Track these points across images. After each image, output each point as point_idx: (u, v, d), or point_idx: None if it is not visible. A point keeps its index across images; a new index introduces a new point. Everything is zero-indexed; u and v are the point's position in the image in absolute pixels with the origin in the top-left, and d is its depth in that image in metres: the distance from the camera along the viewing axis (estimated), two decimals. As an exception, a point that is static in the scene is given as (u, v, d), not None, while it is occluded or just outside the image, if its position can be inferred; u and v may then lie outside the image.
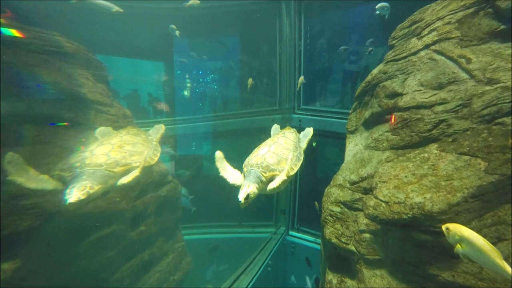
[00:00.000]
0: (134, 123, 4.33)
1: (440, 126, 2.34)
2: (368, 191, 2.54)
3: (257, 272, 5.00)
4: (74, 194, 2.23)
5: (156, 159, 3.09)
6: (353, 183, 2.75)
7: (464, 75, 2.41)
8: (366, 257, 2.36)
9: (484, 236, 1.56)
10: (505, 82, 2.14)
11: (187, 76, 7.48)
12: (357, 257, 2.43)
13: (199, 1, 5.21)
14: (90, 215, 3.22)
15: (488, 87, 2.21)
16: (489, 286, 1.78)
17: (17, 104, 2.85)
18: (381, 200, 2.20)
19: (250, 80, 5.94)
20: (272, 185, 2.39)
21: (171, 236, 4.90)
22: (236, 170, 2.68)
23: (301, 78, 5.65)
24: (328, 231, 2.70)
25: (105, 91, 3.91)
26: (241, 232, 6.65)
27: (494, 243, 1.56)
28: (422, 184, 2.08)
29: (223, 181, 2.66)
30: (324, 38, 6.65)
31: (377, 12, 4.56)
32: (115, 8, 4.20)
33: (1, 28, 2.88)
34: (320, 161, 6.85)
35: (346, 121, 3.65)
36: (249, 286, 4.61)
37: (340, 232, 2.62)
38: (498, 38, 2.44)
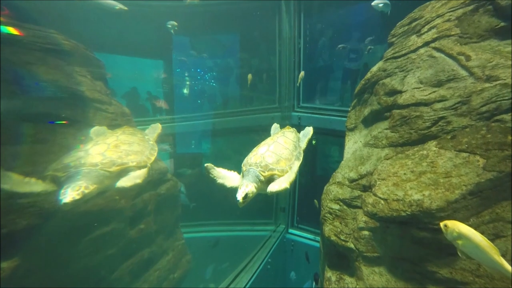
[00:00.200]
0: (133, 121, 4.32)
1: (439, 123, 2.34)
2: (367, 188, 2.55)
3: (256, 270, 5.01)
4: (69, 194, 2.20)
5: (153, 158, 3.06)
6: (352, 180, 2.76)
7: (463, 73, 2.40)
8: (365, 254, 2.37)
9: (482, 233, 1.56)
10: (505, 79, 2.13)
11: (186, 74, 7.47)
12: (356, 255, 2.44)
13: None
14: (90, 213, 3.22)
15: (487, 84, 2.21)
16: (486, 283, 1.79)
17: (15, 102, 2.84)
18: (380, 198, 2.21)
19: (249, 76, 5.92)
20: (272, 189, 2.37)
21: (171, 234, 4.90)
22: (232, 171, 2.66)
23: (302, 73, 5.62)
24: (327, 229, 2.70)
25: (103, 89, 3.90)
26: (240, 230, 6.66)
27: (492, 240, 1.56)
28: (421, 181, 2.08)
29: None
30: (324, 36, 6.64)
31: (380, 5, 4.51)
32: (119, 6, 4.17)
33: (0, 26, 2.87)
34: (320, 159, 6.85)
35: (345, 119, 3.65)
36: (249, 284, 4.62)
37: (339, 230, 2.62)
38: (498, 35, 2.44)
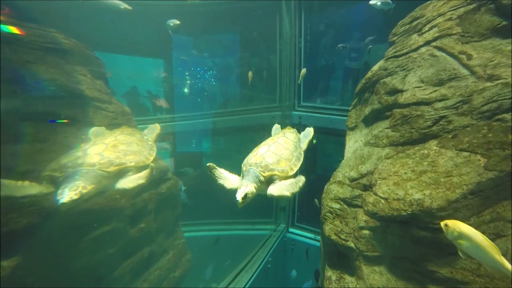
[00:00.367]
0: (133, 120, 4.32)
1: (440, 122, 2.34)
2: (367, 187, 2.54)
3: (257, 269, 5.02)
4: (67, 195, 2.20)
5: (151, 158, 3.05)
6: (352, 179, 2.75)
7: (464, 72, 2.39)
8: (365, 253, 2.36)
9: (483, 232, 1.56)
10: (506, 78, 2.13)
11: (186, 73, 7.46)
12: (356, 254, 2.44)
13: None
14: (90, 212, 3.22)
15: (488, 84, 2.20)
16: (487, 282, 1.79)
17: (16, 101, 2.84)
18: (381, 197, 2.20)
19: (250, 74, 5.91)
20: (273, 193, 2.35)
21: (171, 233, 4.91)
22: (233, 174, 2.66)
23: (303, 70, 5.60)
24: (328, 228, 2.70)
25: (103, 88, 3.90)
26: (241, 229, 6.67)
27: (492, 240, 1.56)
28: (422, 180, 2.08)
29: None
30: (325, 35, 6.62)
31: (379, 4, 4.47)
32: (124, 5, 4.16)
33: (0, 25, 2.86)
34: (320, 158, 6.84)
35: (346, 118, 3.64)
36: (249, 283, 4.63)
37: (339, 229, 2.62)
38: (500, 34, 2.43)
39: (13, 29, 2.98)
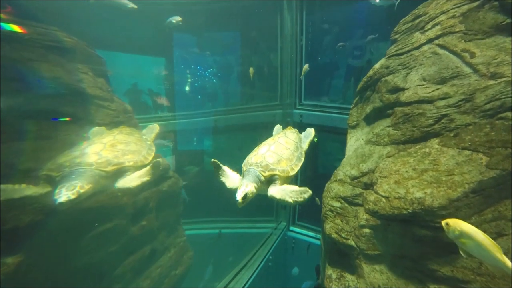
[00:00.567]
0: (134, 118, 4.33)
1: (442, 121, 2.32)
2: (368, 186, 2.54)
3: (257, 267, 5.04)
4: (64, 194, 2.20)
5: (150, 158, 3.04)
6: (353, 178, 2.75)
7: (467, 70, 2.38)
8: (366, 252, 2.36)
9: (484, 231, 1.55)
10: (509, 77, 2.11)
11: (188, 72, 7.46)
12: (357, 252, 2.44)
13: None
14: (92, 210, 3.24)
15: (491, 82, 2.18)
16: (488, 281, 1.78)
17: (18, 99, 2.85)
18: (382, 195, 2.20)
19: (251, 70, 5.90)
20: (274, 195, 2.32)
21: (172, 231, 4.93)
22: (235, 172, 2.65)
23: (306, 66, 5.57)
24: (328, 226, 2.70)
25: (105, 86, 3.91)
26: (242, 228, 6.69)
27: (494, 238, 1.55)
28: (423, 179, 2.07)
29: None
30: (326, 33, 6.59)
31: (377, 0, 4.42)
32: (131, 4, 4.17)
33: (1, 24, 2.87)
34: (321, 157, 6.84)
35: (347, 116, 3.63)
36: (250, 281, 4.65)
37: (340, 227, 2.62)
38: (504, 32, 2.41)
39: (15, 27, 2.99)
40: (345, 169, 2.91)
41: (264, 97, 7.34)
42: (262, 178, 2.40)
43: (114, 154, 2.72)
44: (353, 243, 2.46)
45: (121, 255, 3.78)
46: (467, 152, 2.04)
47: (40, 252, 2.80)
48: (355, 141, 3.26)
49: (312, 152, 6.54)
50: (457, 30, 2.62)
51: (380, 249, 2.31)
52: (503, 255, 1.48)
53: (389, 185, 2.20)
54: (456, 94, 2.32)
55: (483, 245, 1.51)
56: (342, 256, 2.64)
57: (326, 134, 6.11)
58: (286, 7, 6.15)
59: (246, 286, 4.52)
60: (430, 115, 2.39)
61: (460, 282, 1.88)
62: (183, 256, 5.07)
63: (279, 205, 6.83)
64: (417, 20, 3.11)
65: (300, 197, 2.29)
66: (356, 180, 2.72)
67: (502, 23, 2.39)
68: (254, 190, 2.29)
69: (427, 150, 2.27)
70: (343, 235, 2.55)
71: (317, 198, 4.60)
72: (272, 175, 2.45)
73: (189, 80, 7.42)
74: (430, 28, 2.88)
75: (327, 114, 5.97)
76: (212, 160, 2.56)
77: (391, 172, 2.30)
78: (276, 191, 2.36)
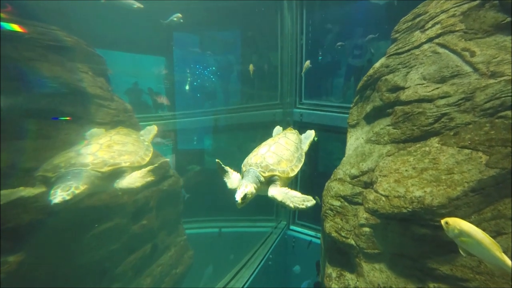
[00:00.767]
0: (135, 117, 4.34)
1: (442, 119, 2.32)
2: (368, 185, 2.54)
3: (258, 266, 5.06)
4: (59, 195, 2.20)
5: (147, 159, 3.02)
6: (353, 177, 2.75)
7: (467, 69, 2.37)
8: (366, 251, 2.37)
9: (483, 230, 1.55)
10: (509, 75, 2.11)
11: (188, 71, 7.46)
12: (357, 251, 2.44)
13: None
14: (93, 209, 3.26)
15: (491, 81, 2.18)
16: (487, 280, 1.79)
17: (19, 98, 2.86)
18: (381, 194, 2.20)
19: (251, 66, 5.88)
20: (276, 197, 2.30)
21: (173, 230, 4.95)
22: (236, 173, 2.65)
23: (307, 62, 5.55)
24: (328, 225, 2.70)
25: (105, 85, 3.91)
26: (242, 227, 6.71)
27: (493, 237, 1.55)
28: (423, 178, 2.07)
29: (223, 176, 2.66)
30: (327, 32, 6.58)
31: None
32: (137, 4, 4.17)
33: (1, 23, 2.88)
34: (321, 156, 6.85)
35: (347, 115, 3.63)
36: (250, 280, 4.67)
37: (340, 226, 2.63)
38: (504, 30, 2.40)
39: (15, 27, 2.99)
40: (345, 168, 2.91)
41: (264, 96, 7.34)
42: (262, 178, 2.39)
43: (110, 155, 2.71)
44: (352, 242, 2.47)
45: (122, 253, 3.80)
46: (467, 151, 2.04)
47: (41, 250, 2.81)
48: (355, 140, 3.27)
49: (313, 151, 6.55)
50: (457, 29, 2.62)
51: (379, 248, 2.32)
52: (503, 254, 1.48)
53: (389, 184, 2.20)
54: (456, 93, 2.32)
55: (483, 244, 1.52)
56: (342, 255, 2.64)
57: (326, 133, 6.12)
58: (286, 6, 6.14)
59: (247, 284, 4.53)
60: (430, 114, 2.39)
61: (459, 281, 1.88)
62: (184, 255, 5.08)
63: (279, 204, 6.84)
64: (418, 19, 3.11)
65: (302, 205, 2.25)
66: (356, 179, 2.73)
67: (503, 22, 2.39)
68: (254, 191, 2.28)
69: (427, 149, 2.28)
70: (343, 234, 2.56)
71: (317, 197, 4.61)
72: (272, 176, 2.43)
73: (189, 79, 7.42)
74: (430, 27, 2.87)
75: (327, 113, 5.97)
76: (217, 160, 2.56)
77: (391, 171, 2.30)
78: (278, 193, 2.33)
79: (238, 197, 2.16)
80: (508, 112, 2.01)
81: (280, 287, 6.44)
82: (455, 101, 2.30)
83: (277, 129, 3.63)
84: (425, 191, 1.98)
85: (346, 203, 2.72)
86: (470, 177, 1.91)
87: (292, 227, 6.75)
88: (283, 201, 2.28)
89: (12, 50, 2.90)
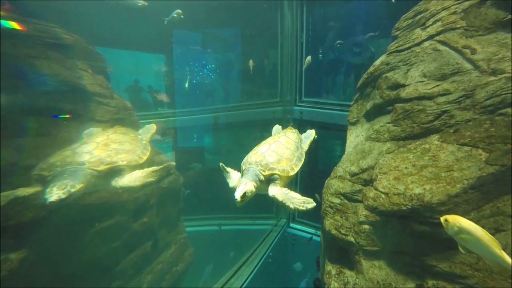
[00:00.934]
0: (135, 115, 4.34)
1: (442, 117, 2.32)
2: (368, 182, 2.55)
3: (258, 264, 5.08)
4: (55, 193, 2.20)
5: (145, 158, 3.02)
6: (353, 174, 2.75)
7: (468, 66, 2.37)
8: (365, 248, 2.38)
9: (482, 227, 1.56)
10: (510, 73, 2.10)
11: (188, 69, 7.44)
12: (356, 248, 2.46)
13: None
14: (94, 206, 3.27)
15: (492, 78, 2.18)
16: (485, 277, 1.80)
17: (18, 96, 2.86)
18: (381, 192, 2.20)
19: (251, 62, 5.87)
20: (277, 197, 2.30)
21: (173, 228, 4.97)
22: (237, 172, 2.65)
23: (308, 58, 5.53)
24: (328, 223, 2.71)
25: (104, 83, 3.91)
26: (241, 224, 6.73)
27: (492, 234, 1.56)
28: (422, 175, 2.07)
29: (223, 174, 2.68)
30: (327, 30, 6.55)
31: None
32: (141, 2, 4.15)
33: (1, 21, 2.87)
34: (321, 153, 6.85)
35: (347, 113, 3.63)
36: (250, 277, 4.69)
37: (339, 224, 2.64)
38: (505, 28, 2.39)
39: (14, 24, 2.98)
40: (345, 165, 2.92)
41: (264, 94, 7.33)
42: (262, 177, 2.38)
43: (107, 153, 2.70)
44: (352, 239, 2.48)
45: (123, 251, 3.82)
46: (467, 148, 2.04)
47: (43, 248, 2.83)
48: (355, 137, 3.27)
49: (313, 149, 6.54)
50: (458, 26, 2.61)
51: (379, 245, 2.32)
52: (502, 251, 1.49)
53: (389, 181, 2.20)
54: (457, 90, 2.31)
55: (482, 241, 1.52)
56: (342, 252, 2.66)
57: (326, 131, 6.11)
58: (287, 4, 6.12)
59: (247, 282, 4.55)
60: (430, 111, 2.38)
61: (458, 278, 1.89)
62: (184, 253, 5.11)
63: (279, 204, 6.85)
64: (418, 17, 3.09)
65: (303, 206, 2.25)
66: (355, 177, 2.73)
67: (504, 19, 2.38)
68: (254, 189, 2.27)
69: (427, 146, 2.28)
70: (342, 231, 2.57)
71: (317, 195, 4.62)
72: (272, 175, 2.43)
73: (189, 77, 7.41)
74: (431, 25, 2.86)
75: (327, 111, 5.97)
76: (220, 164, 2.58)
77: (390, 168, 2.31)
78: (279, 193, 2.33)
79: (238, 195, 2.16)
80: (508, 110, 2.01)
81: (280, 285, 6.47)
82: (455, 98, 2.29)
83: (276, 127, 3.62)
84: (424, 189, 1.98)
85: (346, 201, 2.73)
86: (469, 174, 1.91)
87: (292, 224, 6.76)
88: (283, 201, 2.28)
89: (12, 48, 2.89)
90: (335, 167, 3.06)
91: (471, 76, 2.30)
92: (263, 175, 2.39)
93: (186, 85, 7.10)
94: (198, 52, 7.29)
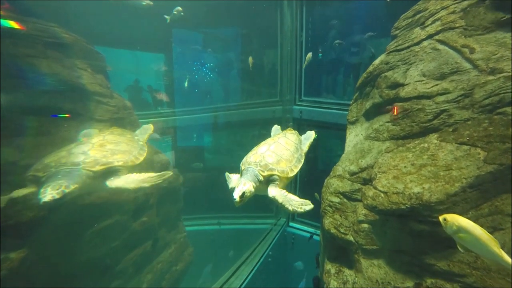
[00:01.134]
0: (134, 115, 4.34)
1: (441, 116, 2.33)
2: (367, 181, 2.55)
3: (257, 263, 5.08)
4: (49, 193, 2.20)
5: (141, 158, 3.01)
6: (352, 173, 2.76)
7: (467, 65, 2.37)
8: (364, 247, 2.39)
9: (481, 225, 1.56)
10: (508, 72, 2.11)
11: (187, 68, 7.44)
12: (355, 247, 2.46)
13: None
14: (94, 206, 3.27)
15: (491, 77, 2.18)
16: (483, 275, 1.80)
17: (18, 95, 2.86)
18: (380, 191, 2.21)
19: (250, 59, 5.85)
20: (276, 198, 2.31)
21: (173, 227, 4.98)
22: (236, 174, 2.67)
23: (309, 54, 5.51)
24: (327, 222, 2.72)
25: (104, 82, 3.91)
26: (241, 224, 6.73)
27: (490, 233, 1.56)
28: (421, 174, 2.08)
29: (224, 174, 2.68)
30: (327, 29, 6.55)
31: None
32: (146, 2, 4.16)
33: (0, 20, 2.86)
34: (321, 152, 6.85)
35: (347, 112, 3.63)
36: (250, 277, 4.69)
37: (339, 223, 2.64)
38: (504, 27, 2.40)
39: (13, 24, 2.98)
40: (344, 164, 2.92)
41: (264, 93, 7.33)
42: (261, 177, 2.38)
43: (102, 154, 2.69)
44: (351, 238, 2.49)
45: (123, 250, 3.82)
46: (465, 147, 2.05)
47: (43, 247, 2.83)
48: (354, 136, 3.27)
49: (312, 148, 6.55)
50: (457, 25, 2.61)
51: (378, 244, 2.33)
52: (501, 250, 1.50)
53: (388, 180, 2.21)
54: (456, 89, 2.32)
55: (481, 240, 1.53)
56: (341, 251, 2.66)
57: (326, 130, 6.12)
58: (286, 4, 6.11)
59: (246, 281, 4.56)
60: (429, 110, 2.39)
61: (456, 276, 1.90)
62: (184, 252, 5.12)
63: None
64: (418, 16, 3.09)
65: (301, 208, 2.28)
66: (355, 176, 2.74)
67: (503, 19, 2.38)
68: (252, 189, 2.27)
69: (426, 145, 2.28)
70: (342, 230, 2.58)
71: (316, 194, 4.63)
72: (271, 175, 2.42)
73: (189, 76, 7.40)
74: (430, 24, 2.86)
75: (327, 110, 5.97)
76: (226, 174, 2.63)
77: (389, 167, 2.31)
78: (279, 195, 2.34)
79: (236, 195, 2.16)
80: (507, 109, 2.02)
81: (280, 284, 6.48)
82: (454, 97, 2.30)
83: (275, 128, 3.61)
84: (423, 187, 1.99)
85: (345, 200, 2.73)
86: (468, 173, 1.91)
87: (291, 224, 6.77)
88: (283, 203, 2.29)
89: (11, 47, 2.89)
90: (334, 166, 3.06)
91: (470, 75, 2.31)
92: (262, 175, 2.39)
93: (186, 84, 7.09)
94: (198, 52, 7.28)
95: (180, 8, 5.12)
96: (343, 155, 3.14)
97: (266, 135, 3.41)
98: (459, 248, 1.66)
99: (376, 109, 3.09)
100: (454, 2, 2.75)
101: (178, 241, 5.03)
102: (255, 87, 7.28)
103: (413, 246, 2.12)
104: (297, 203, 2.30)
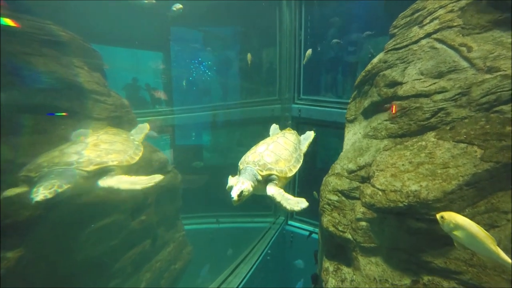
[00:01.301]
0: (132, 113, 4.32)
1: (439, 114, 2.34)
2: (365, 179, 2.56)
3: (256, 261, 5.10)
4: (41, 193, 2.18)
5: (137, 158, 2.98)
6: (351, 171, 2.77)
7: (464, 64, 2.38)
8: (362, 245, 2.40)
9: (477, 223, 1.57)
10: (505, 70, 2.12)
11: (185, 66, 7.40)
12: (353, 245, 2.47)
13: None
14: (91, 205, 3.26)
15: (488, 76, 2.19)
16: (479, 272, 1.82)
17: (14, 93, 2.83)
18: (378, 189, 2.22)
19: (249, 56, 5.84)
20: (275, 196, 2.31)
21: (171, 226, 4.97)
22: (237, 176, 2.65)
23: (309, 51, 5.50)
24: (326, 220, 2.73)
25: (101, 80, 3.88)
26: (240, 222, 6.74)
27: (487, 230, 1.57)
28: (419, 172, 2.09)
29: (223, 173, 2.68)
30: (326, 28, 6.55)
31: None
32: (147, 0, 4.12)
33: None
34: (319, 151, 6.87)
35: (345, 111, 3.64)
36: (248, 275, 4.71)
37: (337, 221, 2.65)
38: (501, 26, 2.41)
39: (8, 21, 2.94)
40: (343, 162, 2.93)
41: (262, 92, 7.33)
42: (259, 177, 2.38)
43: (96, 153, 2.66)
44: (349, 236, 2.50)
45: (122, 249, 3.82)
46: (462, 145, 2.06)
47: (40, 246, 2.82)
48: (352, 135, 3.28)
49: (311, 146, 6.56)
50: (455, 24, 2.62)
51: (376, 241, 2.34)
52: (497, 247, 1.51)
53: (386, 178, 2.22)
54: (453, 88, 2.33)
55: (478, 237, 1.54)
56: (339, 249, 2.67)
57: (324, 128, 6.13)
58: (285, 2, 6.10)
59: (245, 280, 4.57)
60: (427, 108, 2.40)
61: (453, 273, 1.92)
62: (182, 251, 5.12)
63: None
64: (416, 15, 3.10)
65: (297, 206, 2.31)
66: (353, 174, 2.75)
67: (500, 18, 2.39)
68: (251, 189, 2.28)
69: (423, 143, 2.29)
70: (340, 228, 2.59)
71: (315, 192, 4.64)
72: (270, 175, 2.42)
73: (187, 74, 7.38)
74: (428, 23, 2.87)
75: (325, 108, 5.98)
76: (229, 177, 2.59)
77: (387, 165, 2.32)
78: (277, 194, 2.35)
79: (234, 194, 2.16)
80: (504, 107, 2.03)
81: (279, 282, 6.50)
82: (451, 96, 2.31)
83: (274, 127, 3.60)
84: (421, 185, 2.00)
85: (343, 198, 2.74)
86: (465, 171, 1.93)
87: (290, 222, 6.79)
88: (281, 202, 2.31)
89: (8, 45, 2.86)
90: (333, 165, 3.07)
91: (467, 74, 2.32)
92: (260, 175, 2.39)
93: (184, 83, 7.06)
94: (196, 50, 7.26)
95: (180, 6, 5.08)
96: (342, 153, 3.15)
97: (265, 133, 3.41)
98: (456, 246, 1.67)
99: (374, 108, 3.10)
100: (452, 1, 2.77)
101: (177, 239, 5.03)
102: (254, 86, 7.28)
103: (411, 244, 2.13)
104: (293, 202, 2.33)
